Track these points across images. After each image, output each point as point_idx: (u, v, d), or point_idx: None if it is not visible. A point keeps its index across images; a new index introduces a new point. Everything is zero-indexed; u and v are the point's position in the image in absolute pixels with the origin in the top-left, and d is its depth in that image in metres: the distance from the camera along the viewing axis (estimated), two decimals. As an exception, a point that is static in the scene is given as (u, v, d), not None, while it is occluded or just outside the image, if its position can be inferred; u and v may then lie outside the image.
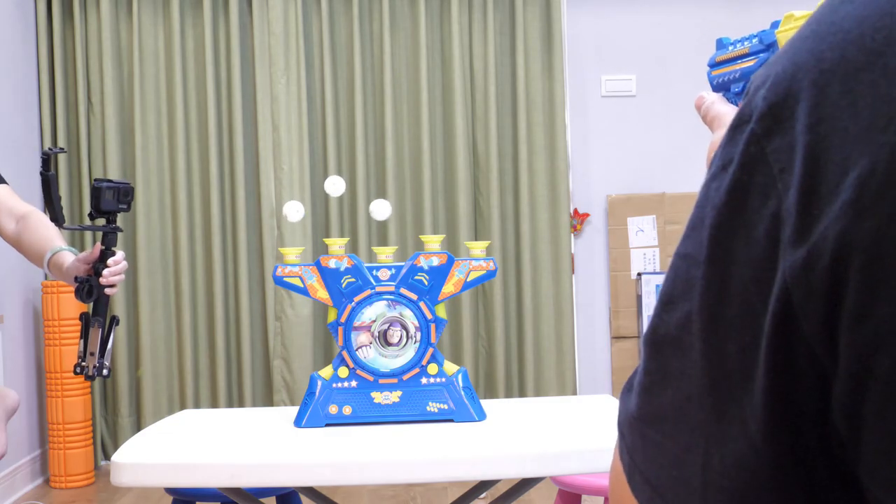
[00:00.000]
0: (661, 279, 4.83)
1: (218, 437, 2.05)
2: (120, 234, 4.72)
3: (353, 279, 2.11)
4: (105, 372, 2.13)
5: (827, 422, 0.44)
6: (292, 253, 2.15)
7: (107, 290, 2.12)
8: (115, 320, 2.19)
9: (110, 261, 2.13)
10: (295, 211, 2.15)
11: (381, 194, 4.71)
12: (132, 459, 1.85)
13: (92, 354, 2.13)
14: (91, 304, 2.15)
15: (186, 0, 4.74)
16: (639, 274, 4.88)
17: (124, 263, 2.19)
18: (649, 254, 4.92)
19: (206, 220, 4.74)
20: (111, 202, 2.13)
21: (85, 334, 2.15)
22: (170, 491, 2.58)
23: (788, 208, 0.44)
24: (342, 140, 4.79)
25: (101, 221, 2.15)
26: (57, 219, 2.17)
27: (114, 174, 4.69)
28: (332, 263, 2.12)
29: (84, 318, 2.16)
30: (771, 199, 0.45)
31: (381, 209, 2.17)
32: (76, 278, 2.13)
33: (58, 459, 4.36)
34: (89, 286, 2.11)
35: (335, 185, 2.18)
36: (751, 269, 0.46)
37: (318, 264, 2.13)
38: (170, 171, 4.73)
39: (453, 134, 4.77)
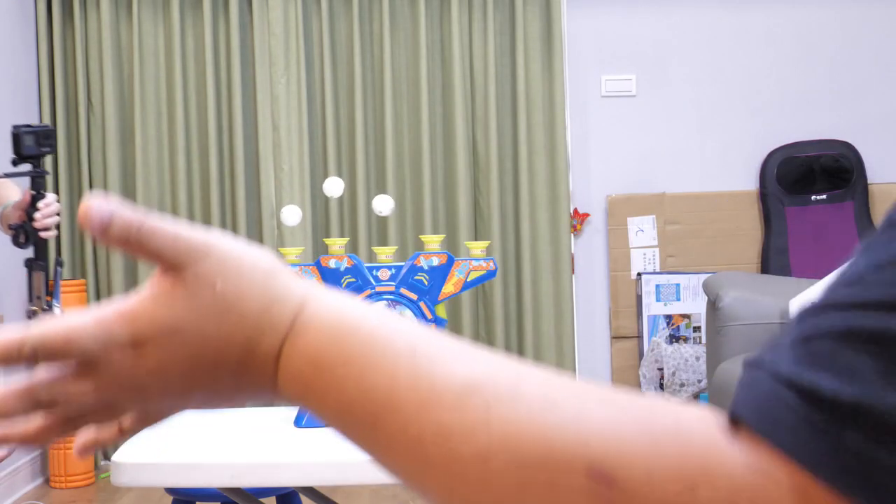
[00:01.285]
0: (660, 279, 4.83)
1: (218, 437, 2.05)
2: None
3: (353, 279, 2.11)
4: (57, 312, 2.16)
5: None
6: (292, 253, 2.15)
7: (42, 234, 2.16)
8: (59, 262, 2.24)
9: (41, 203, 2.16)
10: (292, 215, 2.15)
11: (381, 194, 4.71)
12: (132, 459, 1.85)
13: (39, 298, 2.17)
14: (32, 249, 2.20)
15: (186, 0, 4.74)
16: (639, 274, 4.88)
17: (56, 205, 2.23)
18: (649, 254, 4.91)
19: (206, 220, 4.74)
20: (32, 147, 2.16)
21: (30, 280, 2.20)
22: (170, 491, 2.58)
23: None
24: (342, 140, 4.79)
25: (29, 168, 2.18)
26: None
27: (114, 174, 4.68)
28: (332, 263, 2.12)
29: (27, 263, 2.21)
30: None
31: (384, 204, 2.17)
32: (10, 226, 2.17)
33: (58, 459, 4.35)
34: (24, 232, 2.15)
35: (334, 186, 2.18)
36: None
37: (318, 264, 2.12)
38: (170, 171, 4.73)
39: (453, 134, 4.76)
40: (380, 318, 0.51)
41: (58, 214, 2.25)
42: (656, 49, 4.98)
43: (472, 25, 4.79)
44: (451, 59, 4.74)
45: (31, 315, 2.20)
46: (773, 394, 0.42)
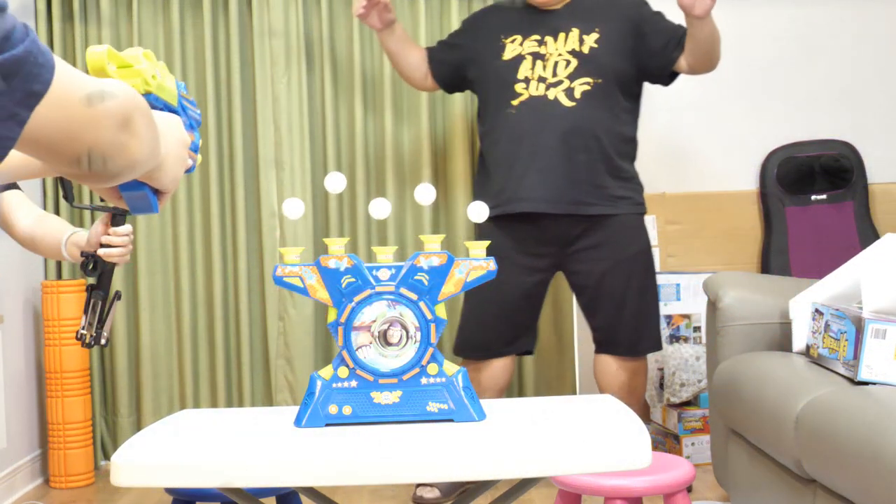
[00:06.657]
0: (660, 279, 4.82)
1: (218, 437, 2.05)
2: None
3: (352, 279, 2.11)
4: (103, 341, 2.31)
5: None
6: (292, 253, 2.15)
7: (104, 255, 2.27)
8: (117, 295, 2.37)
9: (111, 230, 2.28)
10: (293, 208, 2.14)
11: (381, 194, 4.70)
12: (132, 459, 1.85)
13: (91, 325, 2.30)
14: (96, 277, 2.32)
15: (186, 0, 4.74)
16: (639, 274, 4.87)
17: (127, 237, 2.35)
18: (649, 254, 4.90)
19: (206, 220, 4.74)
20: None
21: (87, 305, 2.32)
22: (170, 491, 2.58)
23: None
24: (342, 140, 4.79)
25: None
26: (68, 196, 2.34)
27: (114, 174, 4.68)
28: (331, 263, 2.12)
29: (89, 289, 2.33)
30: None
31: (380, 208, 2.17)
32: (82, 253, 2.30)
33: (58, 459, 4.36)
34: (94, 261, 2.30)
35: (336, 182, 2.17)
36: None
37: (317, 264, 2.12)
38: (170, 171, 4.72)
39: (453, 134, 4.76)
40: None
41: (127, 245, 2.38)
42: (656, 49, 4.97)
43: (472, 25, 4.78)
44: (451, 59, 4.73)
45: (80, 338, 2.33)
46: None
